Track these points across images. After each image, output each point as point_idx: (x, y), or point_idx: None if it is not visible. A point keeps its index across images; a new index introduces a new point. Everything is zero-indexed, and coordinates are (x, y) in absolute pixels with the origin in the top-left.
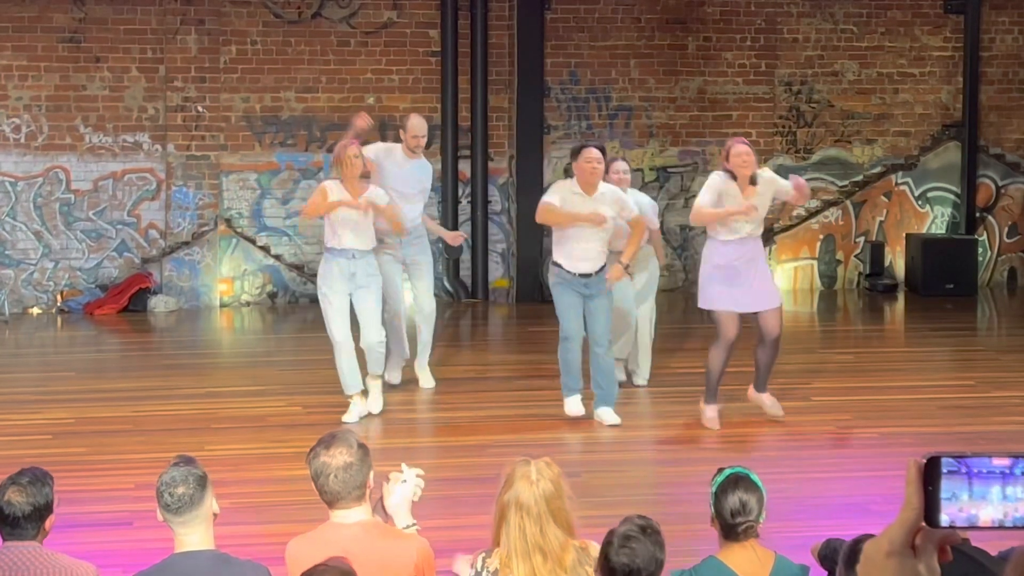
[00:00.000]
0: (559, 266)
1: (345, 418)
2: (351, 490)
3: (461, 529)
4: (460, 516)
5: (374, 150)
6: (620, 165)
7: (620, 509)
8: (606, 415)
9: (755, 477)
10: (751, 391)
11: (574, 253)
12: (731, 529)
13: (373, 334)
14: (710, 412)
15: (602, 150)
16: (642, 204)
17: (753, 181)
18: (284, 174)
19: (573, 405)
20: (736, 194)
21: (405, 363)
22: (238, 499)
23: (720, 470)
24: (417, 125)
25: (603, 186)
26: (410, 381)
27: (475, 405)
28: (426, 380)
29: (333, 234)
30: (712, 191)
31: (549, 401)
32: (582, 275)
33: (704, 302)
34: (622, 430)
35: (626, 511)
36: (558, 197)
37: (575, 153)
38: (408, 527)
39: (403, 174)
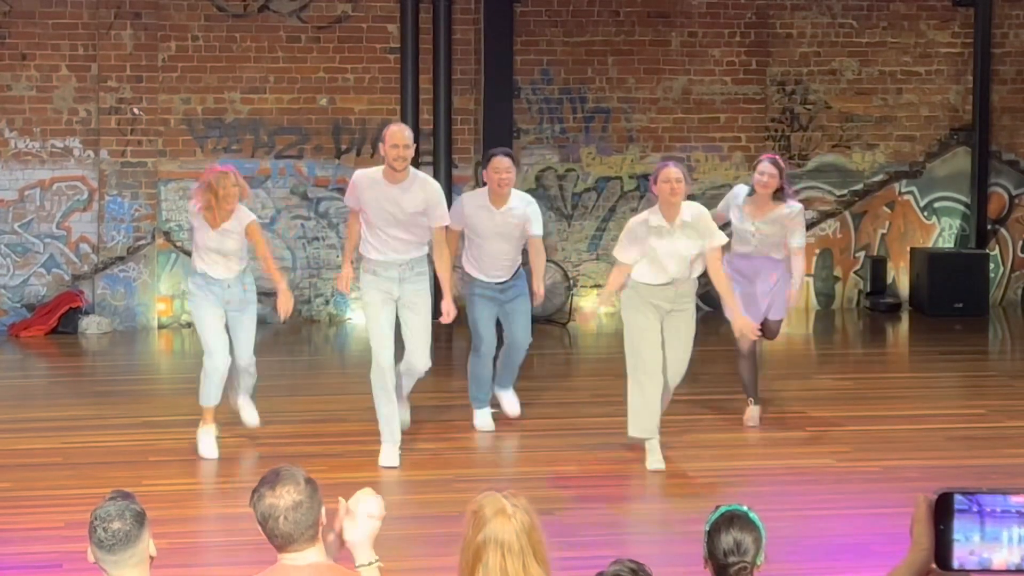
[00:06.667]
0: (470, 276)
1: (202, 452)
2: (304, 530)
3: (423, 572)
4: (422, 557)
5: (362, 179)
6: (672, 172)
7: (599, 550)
8: (508, 402)
9: (754, 515)
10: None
11: (485, 262)
12: (724, 570)
13: (245, 357)
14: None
15: (511, 157)
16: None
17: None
18: None
19: (483, 419)
20: None
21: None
22: (177, 539)
23: (716, 507)
24: (394, 132)
25: (514, 198)
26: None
27: (437, 436)
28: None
29: (201, 260)
30: None
31: (517, 432)
32: (497, 282)
33: None
34: (597, 463)
35: (606, 553)
36: (462, 212)
37: (485, 160)
38: (371, 563)
39: (383, 198)
